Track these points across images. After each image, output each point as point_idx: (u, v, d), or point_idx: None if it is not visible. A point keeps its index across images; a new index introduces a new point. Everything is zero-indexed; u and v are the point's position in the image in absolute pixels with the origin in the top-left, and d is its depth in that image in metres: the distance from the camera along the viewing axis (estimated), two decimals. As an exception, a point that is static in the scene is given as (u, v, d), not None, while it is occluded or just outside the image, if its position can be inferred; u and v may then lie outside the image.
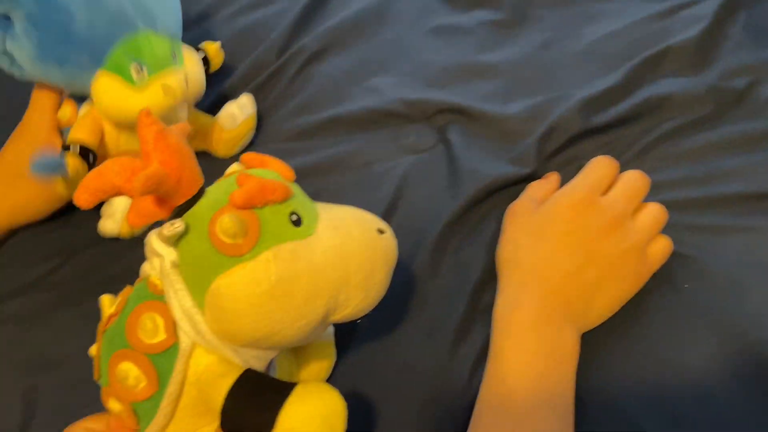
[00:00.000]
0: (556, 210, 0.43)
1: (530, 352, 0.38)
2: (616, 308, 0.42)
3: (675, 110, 0.53)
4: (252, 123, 0.57)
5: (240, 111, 0.56)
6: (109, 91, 0.45)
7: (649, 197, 0.45)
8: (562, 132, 0.53)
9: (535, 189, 0.48)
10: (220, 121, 0.55)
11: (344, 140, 0.57)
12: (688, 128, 0.52)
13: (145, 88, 0.45)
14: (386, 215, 0.51)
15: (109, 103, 0.46)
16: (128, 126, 0.48)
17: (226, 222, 0.28)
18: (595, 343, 0.41)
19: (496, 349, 0.39)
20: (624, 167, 0.48)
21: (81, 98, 0.50)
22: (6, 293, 0.50)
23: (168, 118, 0.47)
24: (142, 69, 0.45)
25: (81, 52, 0.45)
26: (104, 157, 0.49)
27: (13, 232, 0.53)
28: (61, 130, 0.49)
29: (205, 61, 0.54)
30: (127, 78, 0.45)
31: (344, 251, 0.30)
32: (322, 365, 0.41)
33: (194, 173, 0.31)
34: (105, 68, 0.45)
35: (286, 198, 0.30)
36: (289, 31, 0.66)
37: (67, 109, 0.49)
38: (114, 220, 0.48)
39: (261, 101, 0.61)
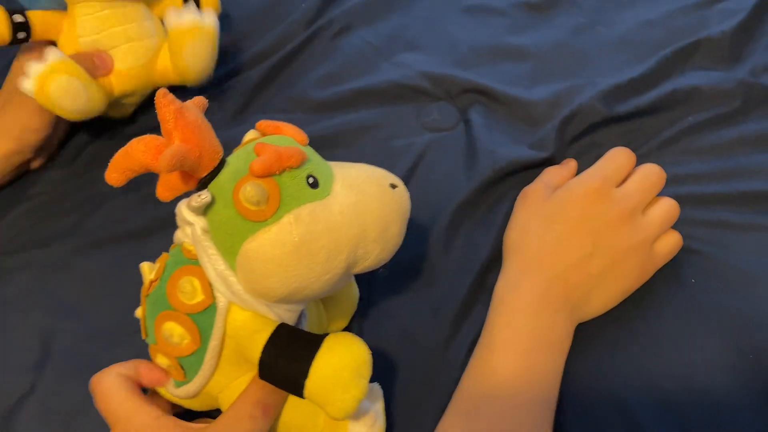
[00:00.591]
0: (569, 197, 0.43)
1: (522, 336, 0.38)
2: (616, 302, 0.42)
3: (702, 104, 0.52)
4: (207, 30, 0.52)
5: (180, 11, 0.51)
6: None
7: (667, 189, 0.44)
8: (583, 118, 0.52)
9: (550, 174, 0.48)
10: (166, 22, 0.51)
11: (367, 112, 0.58)
12: (714, 123, 0.51)
13: None
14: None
15: None
16: None
17: (249, 191, 0.29)
18: (598, 337, 0.42)
19: (488, 328, 0.40)
20: (645, 158, 0.48)
21: None
22: (31, 241, 0.51)
23: None
24: None
25: None
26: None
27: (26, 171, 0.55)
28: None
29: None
30: None
31: (360, 208, 0.32)
32: (347, 306, 0.43)
33: (214, 145, 0.32)
34: None
35: (302, 163, 0.31)
36: (320, 3, 0.66)
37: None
38: (30, 81, 0.46)
39: (287, 69, 0.62)
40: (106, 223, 0.52)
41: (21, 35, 0.47)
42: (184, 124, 0.30)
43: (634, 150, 0.48)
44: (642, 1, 0.63)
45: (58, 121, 0.52)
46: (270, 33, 0.64)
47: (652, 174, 0.44)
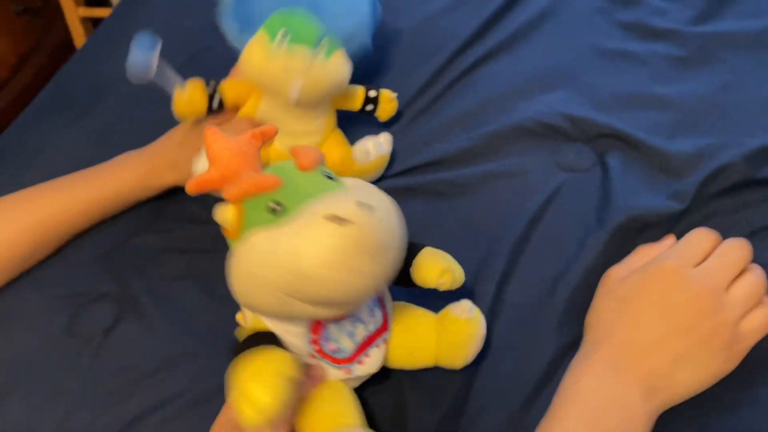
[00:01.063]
0: (644, 278, 0.42)
1: (587, 397, 0.38)
2: (705, 385, 0.40)
3: None
4: (384, 162, 0.58)
5: (375, 149, 0.57)
6: (254, 44, 0.51)
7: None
8: (727, 176, 0.52)
9: (638, 255, 0.47)
10: (354, 153, 0.57)
11: (505, 147, 0.60)
12: None
13: (275, 48, 0.50)
14: (530, 225, 0.53)
15: (247, 54, 0.51)
16: (264, 89, 0.54)
17: (216, 213, 0.36)
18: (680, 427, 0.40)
19: (556, 393, 0.40)
20: None
21: None
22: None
23: (285, 85, 0.51)
24: (285, 36, 0.49)
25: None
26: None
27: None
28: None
29: (374, 100, 0.59)
30: (271, 37, 0.50)
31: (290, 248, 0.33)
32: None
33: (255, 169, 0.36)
34: (263, 26, 0.51)
35: (270, 189, 0.35)
36: (466, 40, 0.70)
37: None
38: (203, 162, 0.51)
39: (430, 104, 0.65)
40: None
41: (215, 104, 0.53)
42: (221, 156, 0.36)
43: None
44: (795, 64, 0.62)
45: None
46: (419, 68, 0.68)
47: (734, 249, 0.43)
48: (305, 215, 0.33)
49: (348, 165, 0.57)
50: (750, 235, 0.49)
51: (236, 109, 0.55)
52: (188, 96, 0.52)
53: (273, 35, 0.50)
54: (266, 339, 0.37)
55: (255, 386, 0.32)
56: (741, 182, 0.53)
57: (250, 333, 0.39)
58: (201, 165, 0.52)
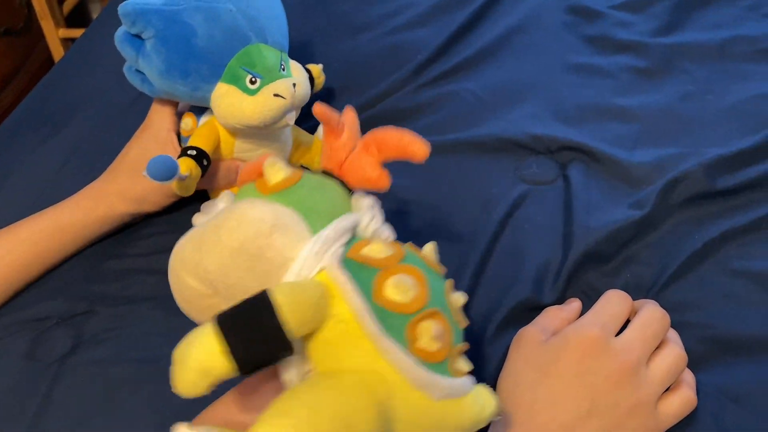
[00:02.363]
0: (564, 347, 0.40)
1: None
2: None
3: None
4: None
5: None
6: (227, 97, 0.50)
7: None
8: (687, 186, 0.53)
9: (548, 317, 0.45)
10: (320, 134, 0.59)
11: (467, 162, 0.60)
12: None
13: (259, 95, 0.49)
14: (493, 238, 0.53)
15: (226, 108, 0.50)
16: (242, 132, 0.53)
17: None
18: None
19: None
20: (758, 230, 0.47)
21: (200, 112, 0.55)
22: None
23: (279, 120, 0.50)
24: (255, 79, 0.49)
25: (201, 64, 0.49)
26: (218, 162, 0.54)
27: (136, 220, 0.58)
28: (182, 139, 0.55)
29: (311, 80, 0.58)
30: (243, 87, 0.49)
31: None
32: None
33: None
34: (223, 80, 0.50)
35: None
36: (432, 54, 0.70)
37: (188, 120, 0.54)
38: (208, 219, 0.51)
39: (393, 117, 0.66)
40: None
41: (205, 162, 0.51)
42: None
43: (738, 226, 0.48)
44: (755, 74, 0.63)
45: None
46: (384, 81, 0.69)
47: (653, 320, 0.42)
48: None
49: (318, 149, 0.59)
50: (706, 246, 0.49)
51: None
52: (191, 180, 0.49)
53: (240, 84, 0.49)
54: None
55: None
56: (701, 193, 0.53)
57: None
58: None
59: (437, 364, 0.32)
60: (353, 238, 0.36)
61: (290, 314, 0.29)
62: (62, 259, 0.55)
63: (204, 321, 0.33)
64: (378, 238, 0.36)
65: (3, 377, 0.49)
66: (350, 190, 0.39)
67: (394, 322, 0.31)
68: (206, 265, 0.33)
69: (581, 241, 0.50)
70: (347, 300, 0.31)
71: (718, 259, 0.49)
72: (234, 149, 0.54)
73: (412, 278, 0.33)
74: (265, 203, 0.34)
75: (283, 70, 0.51)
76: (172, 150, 0.53)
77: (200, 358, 0.29)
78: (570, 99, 0.65)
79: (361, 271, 0.33)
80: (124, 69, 0.53)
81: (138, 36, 0.49)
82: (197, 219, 0.48)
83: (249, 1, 0.51)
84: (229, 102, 0.50)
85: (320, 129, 0.59)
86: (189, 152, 0.50)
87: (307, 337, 0.32)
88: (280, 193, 0.36)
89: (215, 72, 0.50)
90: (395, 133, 0.38)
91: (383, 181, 0.39)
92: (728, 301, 0.47)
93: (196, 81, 0.50)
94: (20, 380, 0.48)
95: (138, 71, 0.52)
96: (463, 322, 0.35)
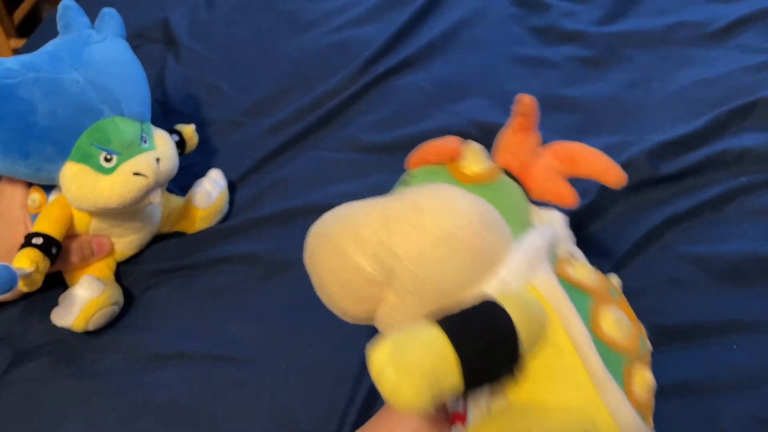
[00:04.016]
0: None
1: None
2: None
3: (753, 166, 0.51)
4: (225, 196, 0.55)
5: (213, 187, 0.54)
6: (78, 179, 0.44)
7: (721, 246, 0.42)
8: (629, 175, 0.52)
9: None
10: (195, 201, 0.53)
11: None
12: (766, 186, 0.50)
13: (116, 174, 0.44)
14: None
15: (78, 191, 0.44)
16: (99, 212, 0.46)
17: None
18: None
19: None
20: (701, 215, 0.48)
21: (49, 186, 0.47)
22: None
23: (141, 200, 0.45)
24: (111, 156, 0.44)
25: (45, 144, 0.43)
26: (69, 240, 0.47)
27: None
28: (31, 216, 0.47)
29: (181, 143, 0.53)
30: (96, 166, 0.43)
31: None
32: None
33: None
34: (72, 159, 0.44)
35: None
36: (379, 50, 0.69)
37: (36, 196, 0.47)
38: (69, 313, 0.46)
39: (342, 113, 0.64)
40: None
41: (54, 250, 0.44)
42: None
43: (681, 212, 0.48)
44: (700, 60, 0.63)
45: None
46: (332, 77, 0.67)
47: None
48: None
49: (194, 214, 0.53)
50: (650, 232, 0.49)
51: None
52: (37, 274, 0.43)
53: (93, 163, 0.44)
54: None
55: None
56: (645, 179, 0.52)
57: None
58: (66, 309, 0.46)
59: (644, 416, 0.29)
60: (552, 254, 0.32)
61: (524, 331, 0.26)
62: None
63: (352, 311, 0.30)
64: (579, 260, 0.33)
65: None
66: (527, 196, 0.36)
67: (613, 362, 0.28)
68: (396, 249, 0.29)
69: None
70: (569, 328, 0.28)
71: (662, 244, 0.49)
72: (90, 228, 0.48)
73: (625, 314, 0.30)
74: (472, 195, 0.31)
75: (145, 142, 0.46)
76: (23, 230, 0.46)
77: (432, 366, 0.24)
78: (516, 91, 0.64)
79: (574, 296, 0.29)
80: None
81: None
82: (56, 316, 0.45)
83: (99, 69, 0.45)
84: (81, 184, 0.43)
85: (193, 191, 0.54)
86: (34, 241, 0.43)
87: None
88: (482, 186, 0.33)
89: (62, 151, 0.43)
90: (590, 151, 0.36)
91: (571, 198, 0.36)
92: (673, 288, 0.47)
93: (39, 162, 0.43)
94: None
95: None
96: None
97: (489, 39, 0.71)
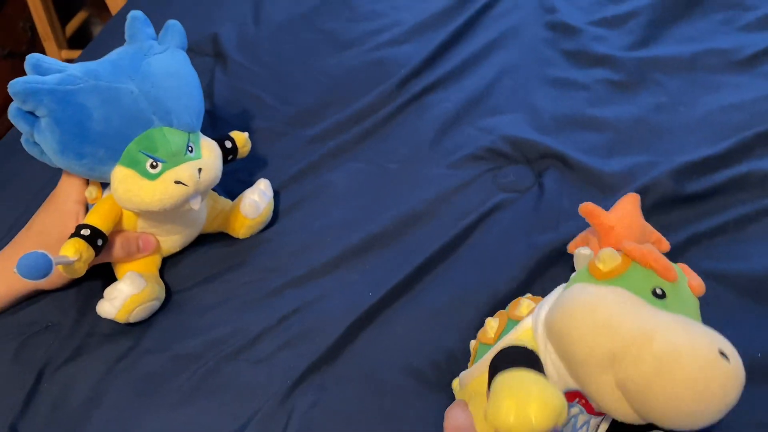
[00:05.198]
0: None
1: None
2: None
3: (777, 188, 0.53)
4: (271, 207, 0.58)
5: (261, 198, 0.57)
6: (125, 182, 0.47)
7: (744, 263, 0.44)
8: (654, 194, 0.54)
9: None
10: (243, 210, 0.56)
11: (448, 170, 0.62)
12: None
13: (159, 181, 0.47)
14: (456, 241, 0.55)
15: (124, 193, 0.47)
16: (143, 213, 0.50)
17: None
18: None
19: None
20: (724, 234, 0.49)
21: None
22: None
23: (181, 206, 0.49)
24: (157, 164, 0.47)
25: (97, 148, 0.46)
26: (115, 234, 0.51)
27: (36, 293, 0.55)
28: (88, 205, 0.52)
29: (233, 149, 0.56)
30: (142, 172, 0.47)
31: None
32: None
33: None
34: (121, 163, 0.47)
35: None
36: (415, 68, 0.73)
37: (93, 189, 0.51)
38: (113, 306, 0.49)
39: (380, 127, 0.68)
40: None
41: (100, 242, 0.48)
42: None
43: (706, 230, 0.50)
44: (727, 86, 0.64)
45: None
46: (370, 93, 0.71)
47: None
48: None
49: (241, 222, 0.56)
50: (673, 249, 0.51)
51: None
52: (79, 264, 0.46)
53: (140, 169, 0.47)
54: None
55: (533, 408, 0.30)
56: (669, 198, 0.54)
57: None
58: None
59: None
60: None
61: None
62: None
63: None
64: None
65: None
66: None
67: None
68: (629, 377, 0.31)
69: (547, 248, 0.52)
70: None
71: (686, 261, 0.50)
72: (137, 225, 0.52)
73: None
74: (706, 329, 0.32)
75: (191, 152, 0.49)
76: (74, 224, 0.50)
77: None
78: (547, 110, 0.67)
79: None
80: (22, 140, 0.49)
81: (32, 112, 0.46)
82: (101, 308, 0.49)
83: (155, 81, 0.48)
84: (127, 187, 0.47)
85: (242, 200, 0.56)
86: (82, 232, 0.47)
87: None
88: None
89: (113, 155, 0.47)
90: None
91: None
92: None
93: (92, 163, 0.47)
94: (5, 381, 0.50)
95: (36, 143, 0.48)
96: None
97: (521, 60, 0.73)
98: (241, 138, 0.57)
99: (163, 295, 0.53)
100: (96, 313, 0.50)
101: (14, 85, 0.44)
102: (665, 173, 0.55)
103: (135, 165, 0.47)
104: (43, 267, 0.43)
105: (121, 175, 0.47)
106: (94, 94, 0.46)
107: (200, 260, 0.56)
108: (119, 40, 0.51)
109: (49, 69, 0.45)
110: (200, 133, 0.51)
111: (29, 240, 0.52)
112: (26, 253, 0.43)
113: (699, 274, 0.49)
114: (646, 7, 0.75)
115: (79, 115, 0.45)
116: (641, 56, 0.70)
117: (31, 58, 0.46)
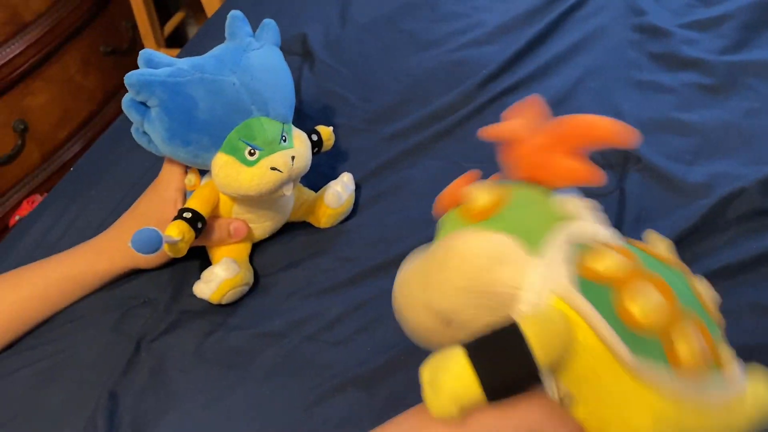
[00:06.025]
0: None
1: None
2: None
3: None
4: (352, 199, 0.61)
5: (343, 190, 0.59)
6: (225, 168, 0.50)
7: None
8: (741, 202, 0.53)
9: None
10: (326, 200, 0.59)
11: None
12: None
13: (256, 167, 0.50)
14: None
15: (224, 179, 0.51)
16: (240, 198, 0.53)
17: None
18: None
19: None
20: None
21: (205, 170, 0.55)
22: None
23: (275, 191, 0.52)
24: (254, 151, 0.50)
25: (202, 135, 0.50)
26: (213, 220, 0.54)
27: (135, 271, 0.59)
28: (186, 192, 0.56)
29: (318, 142, 0.59)
30: (241, 159, 0.50)
31: None
32: None
33: None
34: (222, 150, 0.50)
35: None
36: (497, 69, 0.73)
37: (192, 177, 0.55)
38: (208, 288, 0.53)
39: (459, 126, 0.69)
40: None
41: (200, 225, 0.51)
42: None
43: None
44: (826, 91, 0.62)
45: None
46: (450, 93, 0.72)
47: None
48: None
49: (323, 211, 0.59)
50: (753, 263, 0.49)
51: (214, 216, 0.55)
52: (183, 243, 0.50)
53: (239, 156, 0.50)
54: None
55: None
56: (754, 210, 0.53)
57: None
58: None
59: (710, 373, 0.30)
60: (578, 247, 0.33)
61: (539, 345, 0.30)
62: (64, 306, 0.57)
63: (440, 347, 0.34)
64: (604, 247, 0.33)
65: (93, 345, 0.55)
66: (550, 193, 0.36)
67: (648, 343, 0.30)
68: (436, 304, 0.34)
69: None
70: (593, 327, 0.31)
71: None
72: (232, 211, 0.56)
73: (653, 286, 0.30)
74: (477, 235, 0.34)
75: (285, 141, 0.52)
76: (174, 210, 0.53)
77: (453, 386, 0.31)
78: (631, 113, 0.66)
79: (598, 292, 0.31)
80: (132, 130, 0.53)
81: (143, 103, 0.50)
82: (197, 288, 0.53)
83: (254, 74, 0.51)
84: (227, 173, 0.50)
85: (326, 190, 0.59)
86: (184, 215, 0.51)
87: (557, 367, 0.32)
88: (490, 219, 0.34)
89: (216, 143, 0.50)
90: (591, 120, 0.35)
91: (593, 173, 0.35)
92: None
93: (196, 150, 0.51)
94: (105, 349, 0.54)
95: (145, 133, 0.52)
96: (720, 320, 0.33)
97: (606, 62, 0.73)
98: (326, 132, 0.60)
99: (251, 280, 0.56)
100: (189, 291, 0.54)
101: (130, 77, 0.48)
102: (753, 182, 0.53)
103: (235, 152, 0.50)
104: (155, 242, 0.47)
105: (222, 162, 0.51)
106: (200, 85, 0.49)
107: (285, 248, 0.60)
108: (214, 40, 0.55)
109: (159, 63, 0.50)
110: (292, 125, 0.54)
111: (132, 222, 0.57)
112: (139, 229, 0.47)
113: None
114: (740, 9, 0.72)
115: (187, 104, 0.49)
116: (733, 60, 0.68)
117: (144, 54, 0.50)
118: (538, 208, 0.35)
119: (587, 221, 0.35)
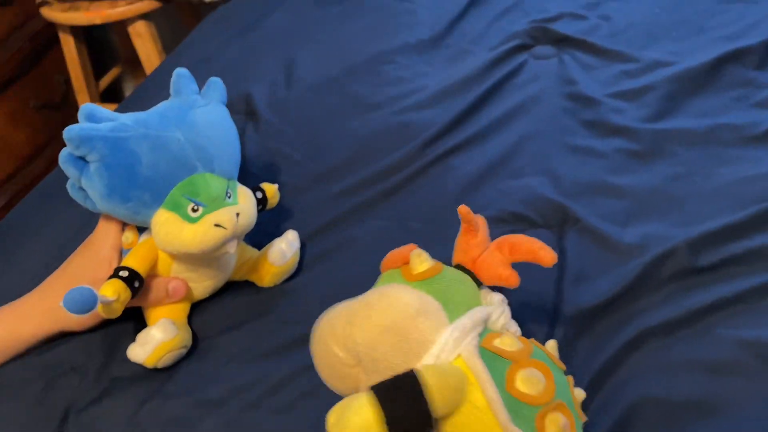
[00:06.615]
0: None
1: None
2: None
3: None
4: (297, 257, 0.60)
5: (288, 247, 0.58)
6: (166, 225, 0.49)
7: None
8: (671, 262, 0.55)
9: None
10: (270, 257, 0.57)
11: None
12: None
13: (199, 224, 0.49)
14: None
15: (165, 236, 0.50)
16: (181, 256, 0.52)
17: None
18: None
19: None
20: (744, 302, 0.50)
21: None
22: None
23: (218, 249, 0.51)
24: (198, 208, 0.49)
25: (144, 192, 0.49)
26: (150, 279, 0.52)
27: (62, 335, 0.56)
28: (123, 251, 0.54)
29: (263, 200, 0.59)
30: (184, 215, 0.49)
31: None
32: None
33: None
34: (164, 206, 0.50)
35: None
36: (439, 131, 0.75)
37: (129, 234, 0.54)
38: (144, 351, 0.50)
39: (403, 186, 0.70)
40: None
41: (137, 284, 0.50)
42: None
43: (722, 298, 0.51)
44: (742, 160, 0.66)
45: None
46: (394, 153, 0.73)
47: None
48: None
49: (267, 269, 0.58)
50: (687, 319, 0.51)
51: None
52: (118, 303, 0.48)
53: (181, 212, 0.49)
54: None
55: None
56: (685, 269, 0.55)
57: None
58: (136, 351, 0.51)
59: None
60: (485, 329, 0.40)
61: (438, 394, 0.34)
62: None
63: (341, 388, 0.40)
64: (508, 332, 0.41)
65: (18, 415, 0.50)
66: (480, 284, 0.45)
67: (525, 413, 0.36)
68: (356, 338, 0.38)
69: (569, 312, 0.53)
70: (483, 389, 0.36)
71: (707, 327, 0.51)
72: (171, 269, 0.54)
73: (541, 372, 0.37)
74: (412, 289, 0.40)
75: (229, 197, 0.51)
76: (109, 269, 0.51)
77: (359, 424, 0.33)
78: (567, 175, 0.69)
79: (494, 362, 0.37)
80: (68, 185, 0.52)
81: (82, 157, 0.48)
82: (132, 352, 0.50)
83: (199, 130, 0.51)
84: (168, 230, 0.49)
85: (270, 248, 0.58)
86: (120, 273, 0.49)
87: (443, 418, 0.36)
88: (424, 281, 0.41)
89: (157, 199, 0.50)
90: (526, 239, 0.44)
91: (513, 279, 0.44)
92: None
93: (137, 206, 0.50)
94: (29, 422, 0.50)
95: (81, 188, 0.51)
96: (583, 417, 0.39)
97: (541, 128, 0.76)
98: (271, 189, 0.60)
99: (190, 342, 0.54)
100: (121, 356, 0.52)
101: (69, 131, 0.47)
102: (682, 242, 0.56)
103: (177, 208, 0.49)
104: (90, 301, 0.45)
105: (163, 219, 0.50)
106: (144, 141, 0.49)
107: (226, 308, 0.58)
108: (156, 96, 0.55)
109: (101, 118, 0.49)
110: (237, 182, 0.54)
111: (62, 282, 0.54)
112: (72, 288, 0.44)
113: (722, 341, 0.50)
114: (662, 82, 0.78)
115: (129, 160, 0.48)
116: (657, 128, 0.72)
117: (86, 108, 0.49)
118: (465, 289, 0.43)
119: (499, 311, 0.43)
